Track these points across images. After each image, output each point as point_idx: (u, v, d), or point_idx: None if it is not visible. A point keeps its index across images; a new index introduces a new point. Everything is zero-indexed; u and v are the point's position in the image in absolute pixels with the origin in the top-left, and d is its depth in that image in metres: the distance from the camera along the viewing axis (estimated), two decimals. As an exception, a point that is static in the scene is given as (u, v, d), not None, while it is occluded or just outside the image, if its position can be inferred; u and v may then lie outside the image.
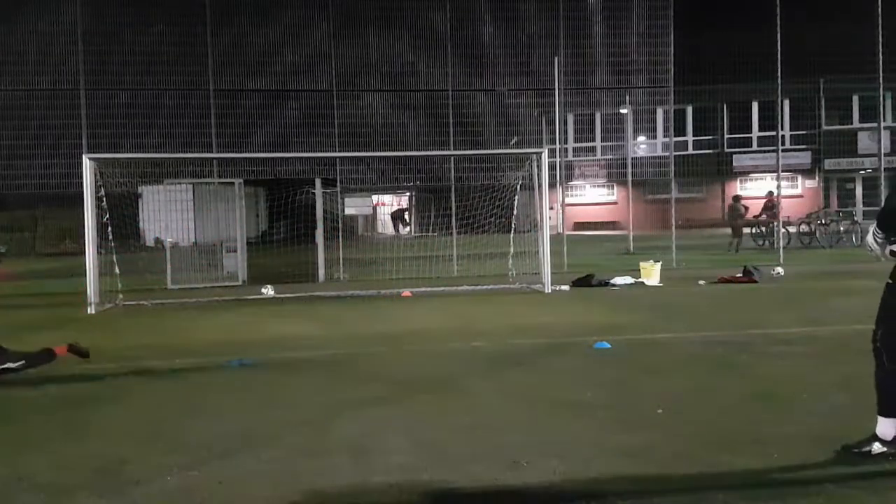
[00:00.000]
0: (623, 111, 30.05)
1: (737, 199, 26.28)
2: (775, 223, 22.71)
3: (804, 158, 39.50)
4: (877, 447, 4.94)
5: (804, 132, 39.30)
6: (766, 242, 24.55)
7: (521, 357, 8.62)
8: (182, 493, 4.73)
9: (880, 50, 20.80)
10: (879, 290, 5.02)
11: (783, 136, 32.65)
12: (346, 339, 10.17)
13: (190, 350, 9.58)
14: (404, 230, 38.79)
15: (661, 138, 38.83)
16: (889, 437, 4.94)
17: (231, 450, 5.49)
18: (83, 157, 14.55)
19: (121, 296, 14.47)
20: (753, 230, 25.51)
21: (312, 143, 23.77)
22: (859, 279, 14.44)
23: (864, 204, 37.13)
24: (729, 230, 25.85)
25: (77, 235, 20.02)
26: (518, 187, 17.04)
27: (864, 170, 37.67)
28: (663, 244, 21.20)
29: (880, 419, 4.98)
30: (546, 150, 16.13)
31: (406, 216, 40.68)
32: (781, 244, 21.23)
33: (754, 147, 40.55)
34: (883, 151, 22.64)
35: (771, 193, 24.93)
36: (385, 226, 40.65)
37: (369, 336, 10.35)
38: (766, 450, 5.18)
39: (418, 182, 31.51)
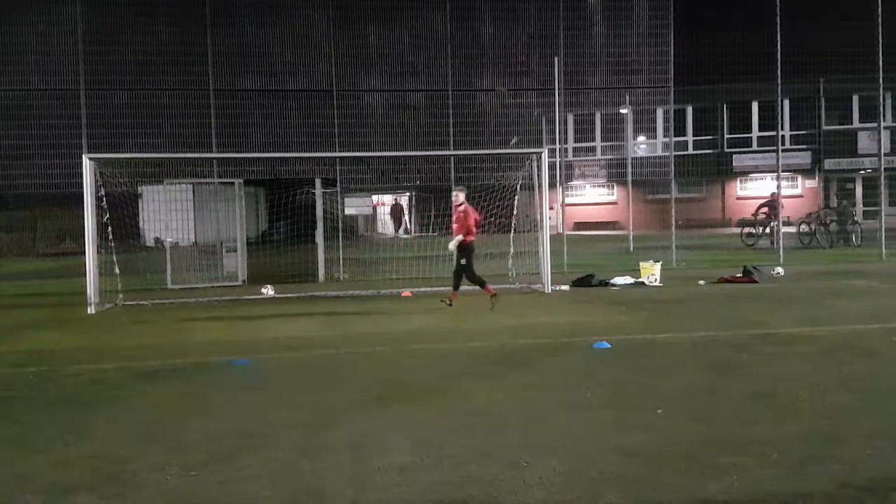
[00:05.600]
0: (623, 111, 30.04)
1: (845, 199, 26.77)
2: (774, 222, 22.99)
3: (804, 158, 39.52)
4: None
5: (804, 132, 39.31)
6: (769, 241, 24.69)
7: (521, 357, 8.62)
8: (182, 493, 4.74)
9: (880, 50, 20.78)
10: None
11: (783, 136, 32.72)
12: (346, 339, 10.16)
13: (190, 350, 9.59)
14: (400, 231, 38.80)
15: (661, 138, 38.86)
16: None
17: (231, 450, 5.48)
18: (83, 157, 14.54)
19: (121, 296, 14.46)
20: (746, 230, 25.91)
21: (312, 143, 23.78)
22: (859, 279, 14.43)
23: (864, 204, 37.15)
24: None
25: (77, 235, 20.01)
26: (518, 187, 17.02)
27: (864, 170, 37.68)
28: (663, 244, 21.19)
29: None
30: (546, 150, 16.11)
31: (402, 216, 40.66)
32: (781, 244, 21.21)
33: (754, 147, 40.55)
34: (883, 151, 22.61)
35: (773, 194, 25.33)
36: (385, 226, 40.68)
37: (369, 336, 10.34)
38: (766, 450, 5.18)
39: (418, 182, 31.53)
